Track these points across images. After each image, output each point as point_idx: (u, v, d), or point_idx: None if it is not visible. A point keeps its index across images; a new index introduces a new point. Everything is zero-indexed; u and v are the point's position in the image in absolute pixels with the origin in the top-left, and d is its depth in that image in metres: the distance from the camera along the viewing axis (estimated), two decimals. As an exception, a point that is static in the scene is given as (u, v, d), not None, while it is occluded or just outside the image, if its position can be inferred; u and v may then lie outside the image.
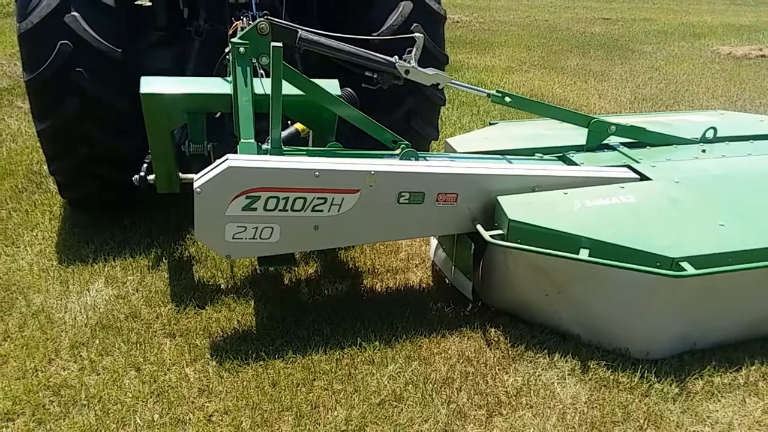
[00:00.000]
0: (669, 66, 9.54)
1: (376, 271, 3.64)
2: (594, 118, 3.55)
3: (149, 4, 4.28)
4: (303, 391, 2.69)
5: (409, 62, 3.14)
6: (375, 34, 3.85)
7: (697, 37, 12.17)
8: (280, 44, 2.80)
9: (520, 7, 15.40)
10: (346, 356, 2.90)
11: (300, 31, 2.98)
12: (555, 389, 2.73)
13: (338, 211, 2.87)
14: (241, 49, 2.91)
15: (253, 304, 3.28)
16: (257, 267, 3.56)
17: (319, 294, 3.39)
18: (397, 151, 3.24)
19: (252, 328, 3.09)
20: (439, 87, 3.38)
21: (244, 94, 2.91)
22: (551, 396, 2.70)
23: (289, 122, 3.47)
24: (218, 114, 3.63)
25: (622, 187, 3.11)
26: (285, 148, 3.02)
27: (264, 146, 3.00)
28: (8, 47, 8.65)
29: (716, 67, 9.54)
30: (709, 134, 3.73)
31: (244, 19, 3.78)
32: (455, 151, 3.53)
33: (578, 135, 3.62)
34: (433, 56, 3.90)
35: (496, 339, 3.03)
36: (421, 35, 3.16)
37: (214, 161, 3.11)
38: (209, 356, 2.88)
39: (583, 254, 2.76)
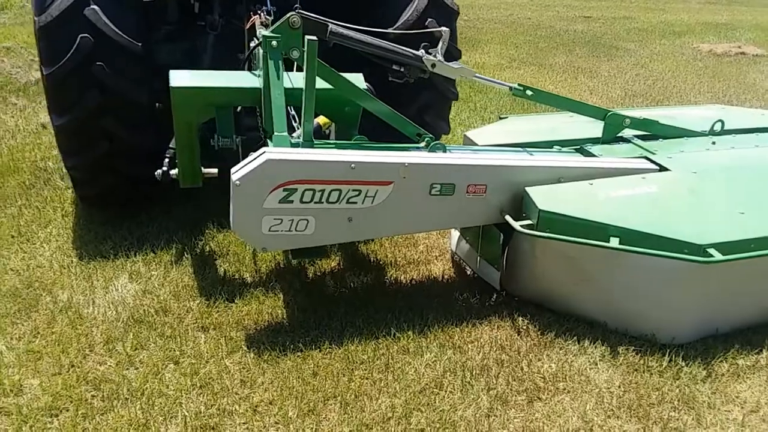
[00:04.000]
0: (654, 63, 9.75)
1: (397, 263, 3.68)
2: (610, 111, 3.64)
3: None
4: (344, 380, 2.72)
5: (435, 56, 3.18)
6: (390, 29, 3.88)
7: (677, 35, 12.44)
8: (315, 38, 2.82)
9: (502, 5, 15.54)
10: (381, 346, 2.94)
11: (330, 25, 3.00)
12: (589, 374, 2.81)
13: (372, 203, 2.91)
14: (273, 43, 2.92)
15: (281, 296, 3.29)
16: (281, 260, 3.58)
17: (345, 286, 3.42)
18: (422, 144, 3.29)
19: (284, 321, 3.11)
20: (460, 80, 3.43)
21: (277, 88, 2.93)
22: (586, 381, 2.77)
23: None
24: (239, 108, 3.63)
25: (644, 178, 3.20)
26: (315, 142, 3.04)
27: (294, 139, 3.01)
28: (-8, 43, 8.45)
29: (699, 64, 9.78)
30: (717, 127, 3.85)
31: (262, 14, 3.79)
32: (476, 144, 3.58)
33: (591, 128, 3.71)
34: (448, 51, 3.93)
35: (525, 327, 3.09)
36: (447, 29, 3.21)
37: (242, 155, 3.14)
38: (246, 348, 2.89)
39: (614, 242, 2.84)
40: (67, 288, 3.29)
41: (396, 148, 3.20)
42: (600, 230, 2.89)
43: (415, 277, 3.55)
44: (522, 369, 2.83)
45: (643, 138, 3.71)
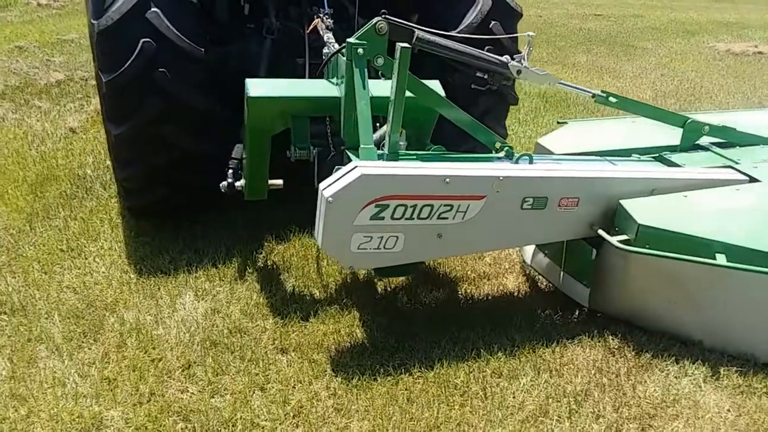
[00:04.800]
0: (675, 63, 9.65)
1: (468, 276, 3.53)
2: (689, 118, 3.51)
3: None
4: (443, 408, 2.57)
5: (520, 62, 3.04)
6: (453, 32, 3.73)
7: (691, 33, 12.36)
8: (407, 45, 2.66)
9: (510, 3, 15.43)
10: (473, 369, 2.79)
11: (417, 31, 2.84)
12: (696, 398, 2.68)
13: (462, 218, 2.76)
14: (360, 50, 2.76)
15: (356, 314, 3.14)
16: (346, 274, 3.42)
17: (418, 302, 3.27)
18: (502, 154, 3.15)
19: (365, 341, 2.95)
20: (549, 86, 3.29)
21: (362, 98, 2.77)
22: (695, 405, 2.64)
23: (377, 124, 3.33)
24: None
25: (738, 189, 3.07)
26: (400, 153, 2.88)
27: (379, 151, 2.86)
28: (4, 43, 8.22)
29: (720, 64, 9.69)
30: (793, 134, 3.73)
31: (324, 17, 3.63)
32: (551, 153, 3.45)
33: (663, 134, 3.59)
34: (510, 54, 3.80)
35: (618, 347, 2.95)
36: (533, 34, 3.06)
37: (317, 167, 2.99)
38: (332, 372, 2.74)
39: (720, 259, 2.72)
40: (131, 307, 3.12)
41: (479, 159, 3.07)
42: (704, 246, 2.76)
43: (489, 292, 3.41)
44: (626, 394, 2.69)
45: (720, 146, 3.59)
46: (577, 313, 3.18)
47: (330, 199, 2.52)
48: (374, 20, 2.79)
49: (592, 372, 2.80)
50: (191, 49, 3.23)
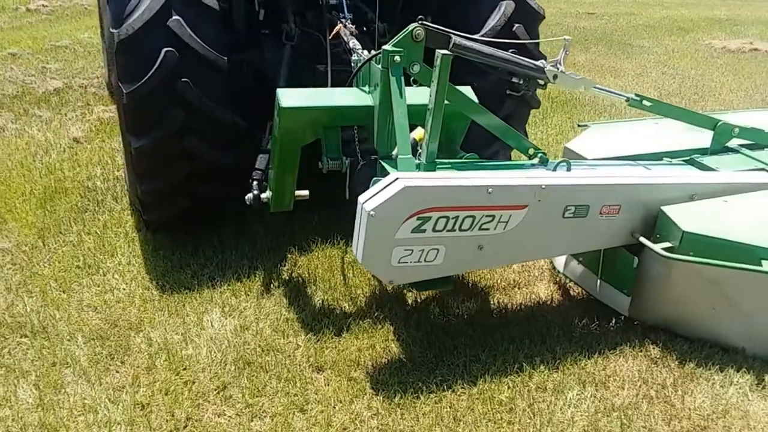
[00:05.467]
0: (673, 61, 9.64)
1: (498, 285, 3.46)
2: (719, 120, 3.46)
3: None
4: (491, 427, 2.50)
5: (556, 67, 2.97)
6: (477, 35, 3.66)
7: (685, 31, 12.38)
8: (448, 52, 2.58)
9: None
10: (517, 384, 2.72)
11: (454, 38, 2.75)
12: (744, 407, 2.63)
13: (504, 228, 2.69)
14: (396, 58, 2.67)
15: (389, 328, 3.05)
16: (375, 285, 3.34)
17: (451, 314, 3.19)
18: (536, 160, 3.07)
19: (402, 357, 2.87)
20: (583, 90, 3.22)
21: (400, 107, 2.68)
22: (745, 415, 2.59)
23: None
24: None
25: (776, 193, 3.03)
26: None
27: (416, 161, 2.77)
28: (-4, 49, 8.02)
29: (718, 61, 9.70)
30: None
31: (347, 22, 3.54)
32: (582, 157, 3.38)
33: (690, 135, 3.55)
34: (534, 58, 3.73)
35: (660, 357, 2.89)
36: (569, 38, 2.99)
37: (348, 178, 2.90)
38: (373, 391, 2.65)
39: (766, 266, 2.66)
40: (157, 326, 3.01)
41: (515, 167, 3.00)
42: (748, 252, 2.71)
43: (522, 301, 3.33)
44: (674, 406, 2.63)
45: (747, 147, 3.55)
46: (613, 321, 3.12)
47: (372, 212, 2.43)
48: (411, 26, 2.70)
49: (638, 384, 2.74)
50: (215, 58, 3.12)
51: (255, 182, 3.25)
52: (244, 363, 2.78)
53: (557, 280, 3.50)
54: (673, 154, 3.47)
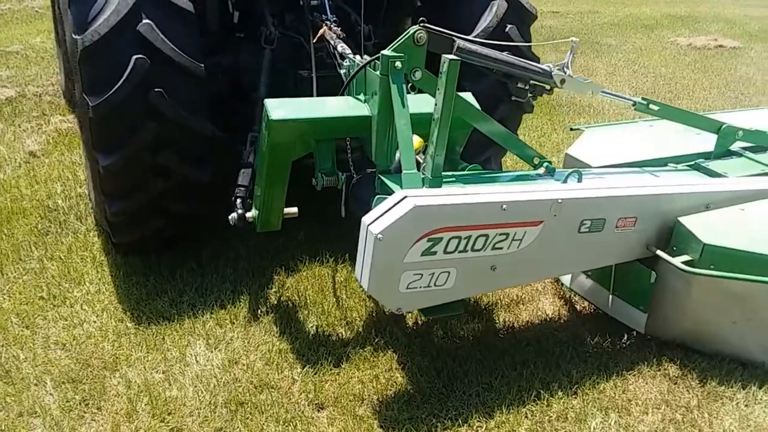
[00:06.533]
0: (642, 59, 9.65)
1: (501, 302, 3.26)
2: (723, 123, 3.33)
3: None
4: (516, 464, 2.29)
5: (563, 71, 2.78)
6: (470, 35, 3.45)
7: (649, 28, 12.47)
8: (456, 57, 2.36)
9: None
10: (535, 414, 2.52)
11: (458, 41, 2.54)
12: (774, 428, 2.49)
13: (518, 246, 2.48)
14: (398, 64, 2.44)
15: (392, 355, 2.82)
16: (369, 307, 3.10)
17: (456, 337, 2.98)
18: (542, 170, 2.89)
19: (410, 388, 2.64)
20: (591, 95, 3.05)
21: (402, 117, 2.45)
22: (776, 438, 2.45)
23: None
24: None
25: (791, 200, 2.90)
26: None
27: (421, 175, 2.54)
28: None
29: (686, 58, 9.75)
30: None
31: (331, 24, 3.30)
32: (586, 165, 3.21)
33: (690, 139, 3.43)
34: (525, 56, 3.56)
35: (680, 376, 2.74)
36: (577, 39, 2.81)
37: (345, 193, 2.67)
38: (382, 430, 2.42)
39: (795, 278, 2.53)
40: (135, 364, 2.72)
41: (523, 178, 2.81)
42: (771, 264, 2.57)
43: (528, 319, 3.14)
44: (702, 430, 2.47)
45: (753, 150, 3.43)
46: (626, 337, 2.96)
47: (380, 236, 2.20)
48: (412, 29, 2.47)
49: (662, 407, 2.58)
50: (190, 65, 2.84)
51: (239, 200, 2.97)
52: (237, 404, 2.51)
53: (562, 294, 3.32)
54: (677, 159, 3.33)
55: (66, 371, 2.66)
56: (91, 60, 2.72)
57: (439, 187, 2.51)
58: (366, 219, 2.27)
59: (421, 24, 2.48)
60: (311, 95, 3.29)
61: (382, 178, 2.62)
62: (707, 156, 3.36)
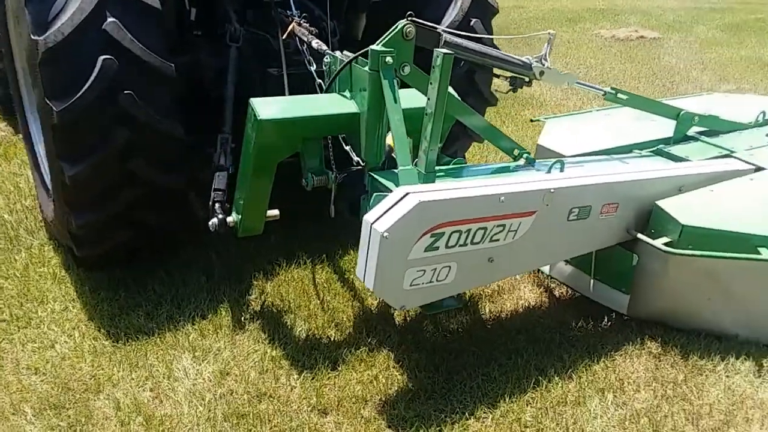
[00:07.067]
0: (572, 51, 10.00)
1: (484, 293, 3.29)
2: (681, 109, 3.49)
3: None
4: (528, 452, 2.32)
5: (542, 62, 2.83)
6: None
7: (573, 21, 12.94)
8: (450, 51, 2.35)
9: None
10: (536, 400, 2.56)
11: (444, 34, 2.53)
12: (754, 395, 2.63)
13: (513, 237, 2.52)
14: (388, 59, 2.41)
15: (387, 354, 2.79)
16: (357, 305, 3.07)
17: (446, 330, 2.98)
18: (522, 162, 2.94)
19: (411, 385, 2.62)
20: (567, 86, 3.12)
21: (396, 113, 2.42)
22: (759, 404, 2.59)
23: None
24: None
25: (752, 179, 3.08)
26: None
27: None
28: None
29: (612, 50, 10.18)
30: (760, 118, 3.85)
31: (301, 20, 3.22)
32: (559, 154, 3.29)
33: (646, 126, 3.60)
34: (489, 50, 3.61)
35: (662, 353, 2.85)
36: (554, 32, 2.87)
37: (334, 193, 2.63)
38: (391, 430, 2.39)
39: (765, 253, 2.68)
40: (120, 383, 2.56)
41: (505, 170, 2.84)
42: (746, 242, 2.72)
43: (513, 309, 3.18)
44: (692, 403, 2.58)
45: (706, 134, 3.62)
46: (606, 319, 3.06)
47: (386, 234, 2.17)
48: (400, 24, 2.45)
49: (652, 384, 2.68)
50: (161, 65, 2.70)
51: (217, 205, 2.86)
52: (237, 416, 2.41)
53: (540, 282, 3.39)
54: (640, 146, 3.47)
55: (45, 397, 2.47)
56: (55, 62, 2.53)
57: (433, 182, 2.51)
58: (369, 217, 2.24)
59: (409, 18, 2.46)
60: (280, 94, 3.20)
61: (374, 175, 2.58)
62: (667, 142, 3.52)
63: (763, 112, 3.85)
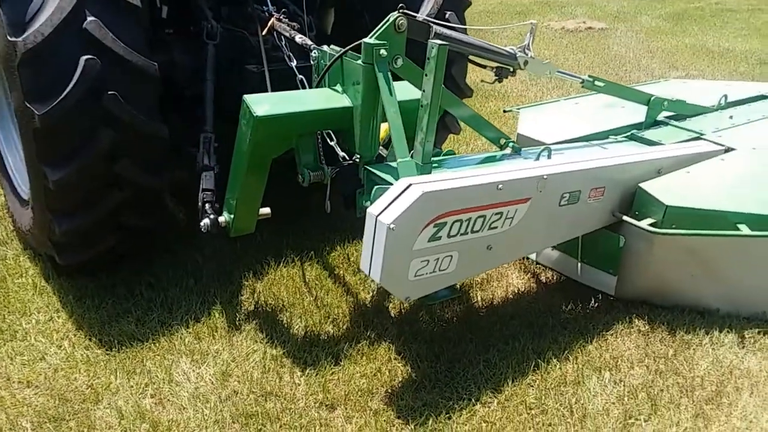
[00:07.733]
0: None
1: (472, 282, 3.33)
2: (652, 95, 3.62)
3: None
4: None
5: (525, 52, 2.89)
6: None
7: (522, 14, 13.18)
8: (444, 42, 2.38)
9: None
10: (536, 383, 2.63)
11: (434, 26, 2.55)
12: (740, 365, 2.76)
13: (510, 224, 2.57)
14: (382, 52, 2.41)
15: (387, 346, 2.81)
16: (348, 299, 3.07)
17: (441, 320, 3.02)
18: (508, 150, 3.00)
19: (415, 376, 2.65)
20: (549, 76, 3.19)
21: (391, 105, 2.43)
22: (746, 373, 2.71)
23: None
24: None
25: (723, 160, 3.23)
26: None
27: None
28: None
29: (563, 41, 10.43)
30: (722, 101, 4.03)
31: (281, 16, 3.20)
32: (540, 142, 3.36)
33: (616, 113, 3.74)
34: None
35: (651, 330, 2.95)
36: (535, 22, 2.93)
37: (330, 188, 2.64)
38: (401, 420, 2.41)
39: (744, 229, 2.82)
40: (119, 391, 2.50)
41: (495, 159, 2.90)
42: (725, 219, 2.84)
43: (504, 295, 3.24)
44: (685, 376, 2.69)
45: (675, 119, 3.76)
46: (593, 301, 3.15)
47: (392, 226, 2.18)
48: (392, 16, 2.46)
49: (644, 360, 2.77)
50: (144, 64, 2.63)
51: (207, 205, 2.81)
52: (246, 417, 2.39)
53: (526, 268, 3.46)
54: (614, 132, 3.59)
55: (43, 410, 2.39)
56: (35, 63, 2.44)
57: (430, 173, 2.53)
58: (373, 210, 2.24)
59: (401, 10, 2.47)
60: (261, 90, 3.17)
61: (370, 168, 2.59)
62: (638, 127, 3.64)
63: (725, 96, 4.03)
